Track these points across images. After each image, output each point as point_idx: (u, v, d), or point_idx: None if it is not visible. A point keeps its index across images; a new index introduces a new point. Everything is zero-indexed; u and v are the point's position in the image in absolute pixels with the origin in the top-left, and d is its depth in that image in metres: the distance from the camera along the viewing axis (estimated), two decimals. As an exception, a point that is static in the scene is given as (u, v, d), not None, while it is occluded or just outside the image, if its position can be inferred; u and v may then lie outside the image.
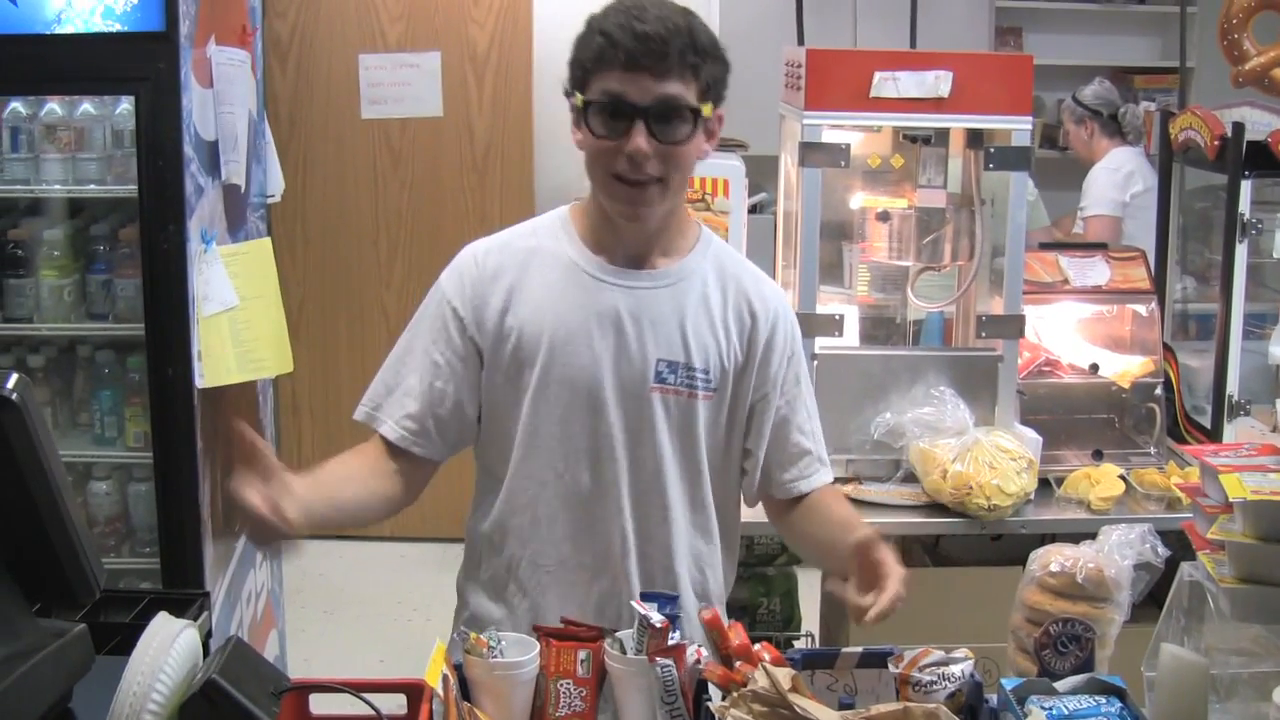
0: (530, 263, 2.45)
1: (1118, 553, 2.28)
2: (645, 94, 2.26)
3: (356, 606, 5.88)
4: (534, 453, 2.43)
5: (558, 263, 2.44)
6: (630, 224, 2.38)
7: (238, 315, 3.81)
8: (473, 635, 2.11)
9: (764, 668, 1.99)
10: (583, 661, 2.12)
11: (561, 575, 2.46)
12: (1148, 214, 5.63)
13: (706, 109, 2.32)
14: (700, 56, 2.28)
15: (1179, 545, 2.38)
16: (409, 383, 2.46)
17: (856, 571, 2.23)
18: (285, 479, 2.17)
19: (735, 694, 1.99)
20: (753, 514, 2.76)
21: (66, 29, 3.50)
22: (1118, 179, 6.11)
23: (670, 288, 2.44)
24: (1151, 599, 2.42)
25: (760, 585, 4.00)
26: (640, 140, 2.26)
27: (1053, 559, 2.28)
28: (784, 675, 1.98)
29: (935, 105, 3.57)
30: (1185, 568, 2.27)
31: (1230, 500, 2.09)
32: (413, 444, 2.46)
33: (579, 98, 2.33)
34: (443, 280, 2.49)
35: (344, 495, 2.39)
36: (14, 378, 1.80)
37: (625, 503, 2.44)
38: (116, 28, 3.51)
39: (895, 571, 2.21)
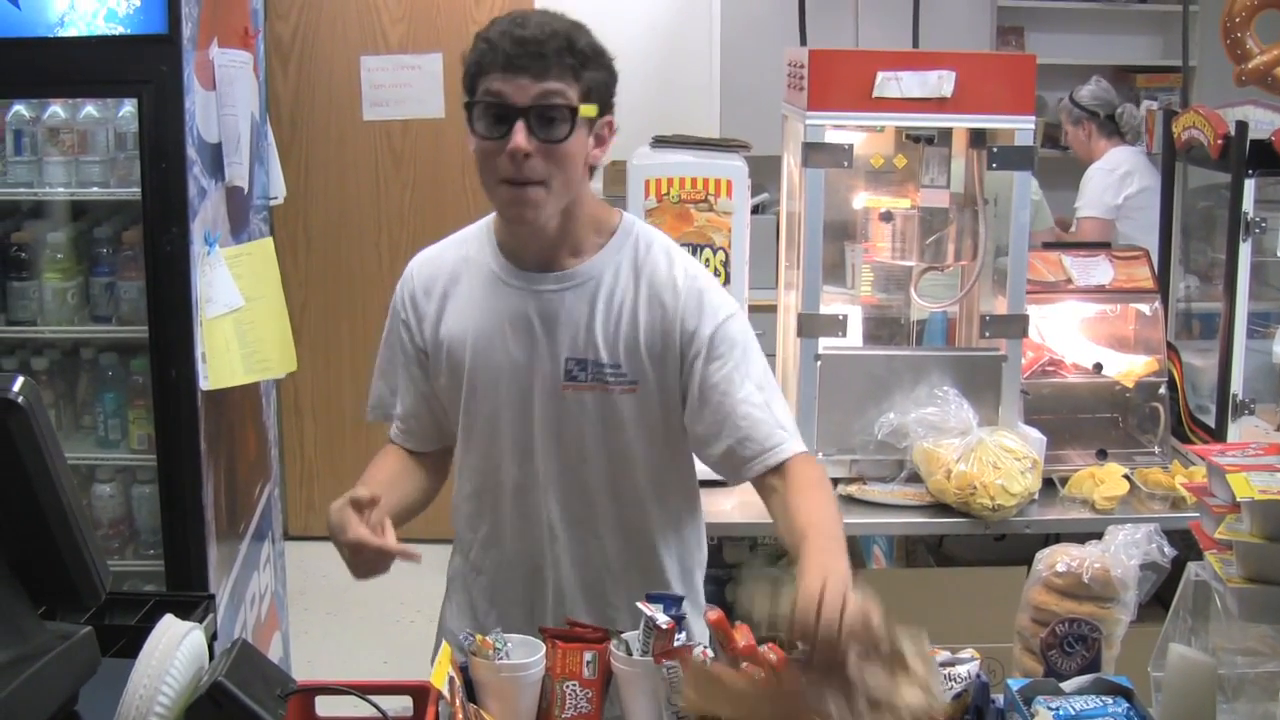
0: (460, 272, 2.57)
1: (1124, 553, 2.28)
2: (524, 94, 2.30)
3: (359, 608, 5.88)
4: (471, 449, 2.58)
5: (479, 271, 2.55)
6: (520, 227, 2.43)
7: (243, 316, 3.81)
8: (478, 637, 2.11)
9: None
10: (589, 663, 2.12)
11: (503, 558, 2.61)
12: (1146, 214, 5.64)
13: (588, 110, 2.35)
14: (578, 59, 2.33)
15: (1184, 545, 2.38)
16: (396, 383, 2.66)
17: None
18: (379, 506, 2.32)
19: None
20: (756, 515, 2.74)
21: (69, 32, 3.51)
22: (1112, 180, 6.09)
23: (577, 288, 2.48)
24: (1156, 599, 2.42)
25: (764, 586, 3.99)
26: (520, 138, 2.29)
27: (1059, 559, 2.28)
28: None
29: (938, 105, 3.57)
30: (1192, 568, 2.27)
31: (1238, 500, 2.09)
32: (406, 441, 2.69)
33: (466, 102, 2.38)
34: (396, 291, 2.64)
35: (396, 498, 2.52)
36: (20, 380, 1.79)
37: (551, 495, 2.53)
38: (119, 30, 3.51)
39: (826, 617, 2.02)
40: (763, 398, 2.48)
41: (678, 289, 2.49)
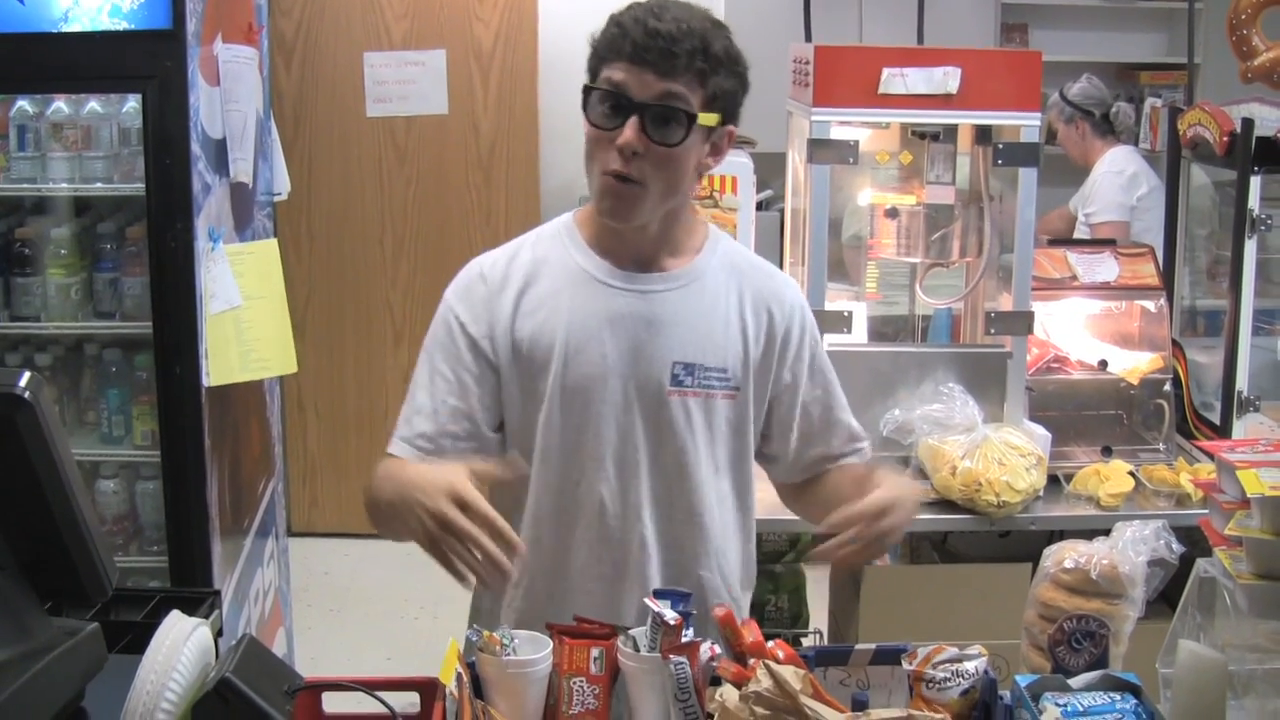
0: (538, 272, 2.41)
1: (1132, 549, 2.27)
2: (645, 89, 2.22)
3: (363, 604, 5.88)
4: (552, 463, 2.39)
5: (565, 270, 2.40)
6: (613, 221, 2.33)
7: (242, 315, 3.81)
8: (485, 633, 2.10)
9: (767, 666, 1.98)
10: (596, 659, 2.11)
11: (580, 584, 2.42)
12: (1152, 214, 5.64)
13: (709, 119, 2.27)
14: (709, 63, 2.24)
15: (1189, 541, 2.37)
16: (419, 401, 2.40)
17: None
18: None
19: (740, 693, 1.99)
20: (760, 513, 2.72)
21: (74, 27, 3.51)
22: (1122, 181, 6.01)
23: (682, 289, 2.40)
24: (1161, 596, 2.42)
25: (768, 583, 4.00)
26: (631, 134, 2.22)
27: (1067, 555, 2.27)
28: (793, 674, 1.97)
29: (944, 101, 3.57)
30: (1201, 564, 2.26)
31: (1248, 496, 2.08)
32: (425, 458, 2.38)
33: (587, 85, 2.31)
34: (449, 298, 2.44)
35: None
36: (26, 375, 1.79)
37: (645, 509, 2.40)
38: (124, 26, 3.51)
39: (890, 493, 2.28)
40: (847, 410, 2.60)
41: (783, 298, 2.49)
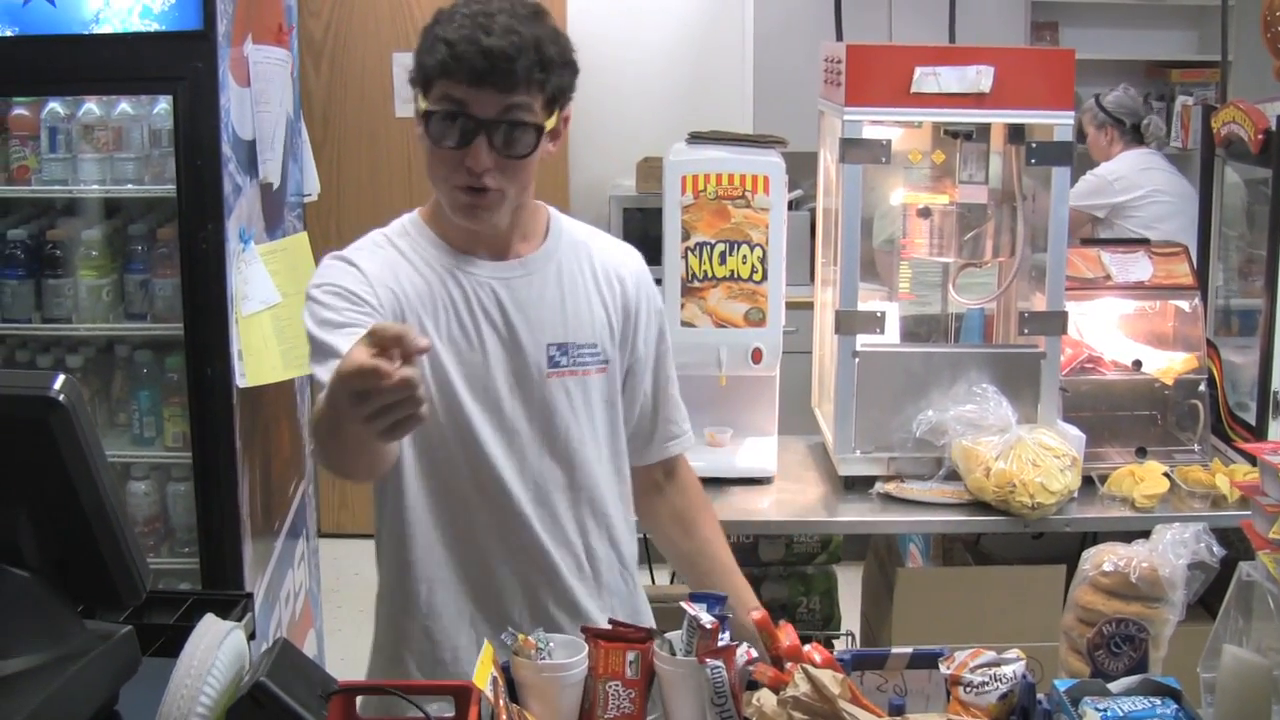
0: (398, 266, 2.37)
1: (1172, 552, 2.26)
2: (488, 107, 2.21)
3: (392, 606, 5.87)
4: (438, 456, 2.37)
5: (425, 262, 2.38)
6: (479, 229, 2.34)
7: (280, 312, 3.80)
8: (520, 636, 2.09)
9: (804, 671, 1.97)
10: (631, 663, 2.10)
11: (488, 570, 2.42)
12: (1148, 211, 5.64)
13: (550, 121, 2.29)
14: (547, 71, 2.24)
15: (1226, 543, 2.35)
16: (337, 344, 2.20)
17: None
18: None
19: (778, 698, 1.97)
20: (790, 514, 2.72)
21: (104, 29, 3.51)
22: (1098, 184, 6.00)
23: (541, 271, 2.42)
24: (1199, 600, 2.40)
25: (800, 584, 3.98)
26: (482, 154, 2.22)
27: (1106, 558, 2.26)
28: (831, 679, 1.96)
29: (976, 100, 3.55)
30: (1244, 567, 2.24)
31: (1291, 499, 2.07)
32: None
33: (422, 102, 2.27)
34: (318, 281, 2.33)
35: None
36: (60, 378, 1.79)
37: (537, 490, 2.41)
38: (154, 27, 3.51)
39: None
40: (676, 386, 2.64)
41: (629, 266, 2.53)
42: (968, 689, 2.07)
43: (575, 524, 2.45)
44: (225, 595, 2.60)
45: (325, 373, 2.11)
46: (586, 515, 2.47)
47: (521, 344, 2.37)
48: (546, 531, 2.42)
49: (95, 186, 3.89)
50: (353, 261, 2.35)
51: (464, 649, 2.40)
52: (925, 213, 3.74)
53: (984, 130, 3.68)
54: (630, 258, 2.56)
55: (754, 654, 2.10)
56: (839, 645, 3.83)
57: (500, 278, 2.38)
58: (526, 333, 2.38)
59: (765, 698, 2.01)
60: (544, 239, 2.46)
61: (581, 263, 2.47)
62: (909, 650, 2.17)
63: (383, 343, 1.76)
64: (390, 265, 2.37)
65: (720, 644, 2.04)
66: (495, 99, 2.21)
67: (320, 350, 2.24)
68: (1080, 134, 6.24)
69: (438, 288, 2.36)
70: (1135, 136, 6.11)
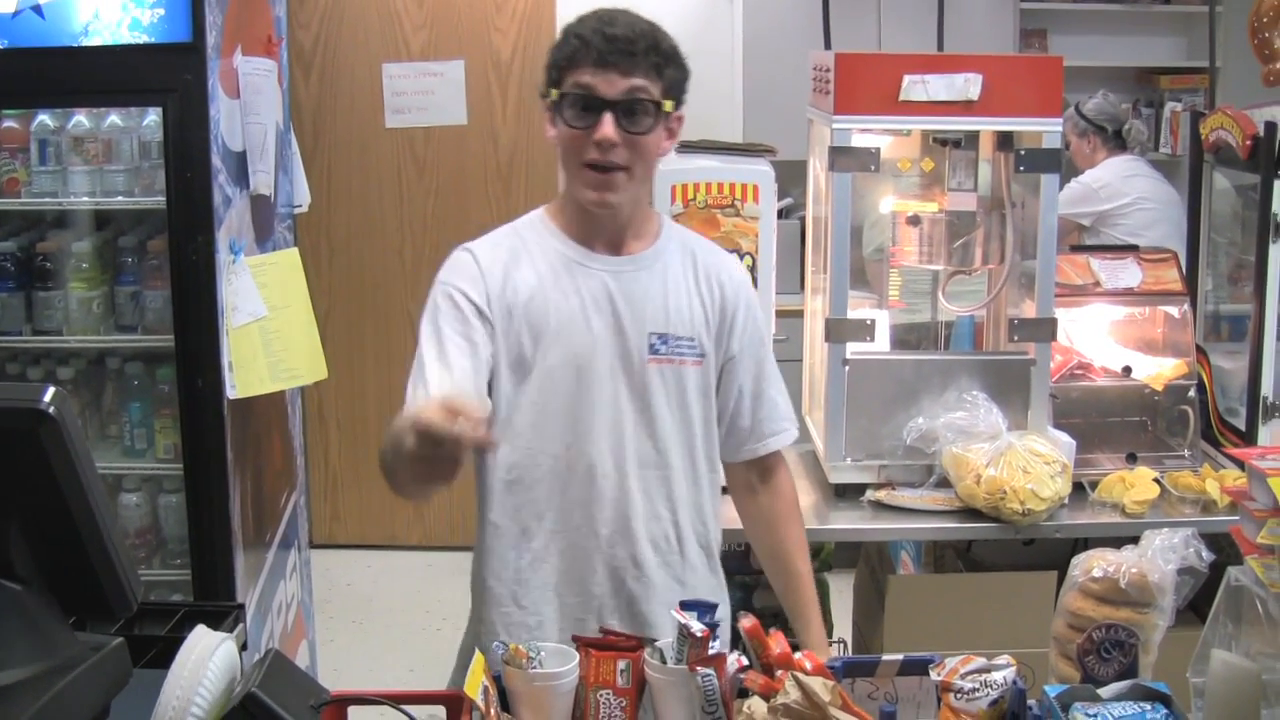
0: (521, 256, 2.65)
1: (1161, 557, 2.26)
2: (613, 88, 2.49)
3: (385, 616, 5.88)
4: (541, 431, 2.61)
5: (545, 254, 2.65)
6: (602, 211, 2.59)
7: (268, 325, 3.81)
8: (511, 646, 2.10)
9: (795, 678, 1.98)
10: (622, 671, 2.11)
11: (577, 541, 2.65)
12: (1142, 215, 5.64)
13: (668, 105, 2.55)
14: (663, 58, 2.53)
15: (1216, 548, 2.36)
16: (431, 374, 2.53)
17: None
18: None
19: (768, 705, 1.98)
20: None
21: (94, 41, 3.51)
22: (1083, 192, 6.00)
23: (650, 268, 2.67)
24: (1189, 606, 2.40)
25: (792, 592, 3.98)
26: (608, 129, 2.48)
27: (1095, 564, 2.26)
28: (822, 686, 1.96)
29: (965, 108, 3.55)
30: (1232, 572, 2.25)
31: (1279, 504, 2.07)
32: None
33: (554, 94, 2.54)
34: (444, 277, 2.64)
35: None
36: (50, 391, 1.79)
37: (632, 468, 2.64)
38: (143, 39, 3.51)
39: None
40: (780, 386, 2.87)
41: (732, 274, 2.78)
42: (958, 695, 2.07)
43: (666, 501, 2.69)
44: (217, 606, 2.58)
45: (411, 392, 2.53)
46: (674, 494, 2.69)
47: (625, 331, 2.63)
48: (635, 506, 2.65)
49: (85, 199, 3.89)
50: (473, 252, 2.66)
51: (549, 620, 2.64)
52: (915, 220, 3.74)
53: (973, 138, 3.68)
54: (732, 266, 2.83)
55: (744, 661, 2.10)
56: (832, 653, 3.83)
57: (612, 270, 2.64)
58: (631, 321, 2.63)
59: (756, 705, 2.02)
60: (655, 240, 2.71)
61: (686, 265, 2.72)
62: (900, 657, 2.18)
63: (453, 411, 2.04)
64: (512, 252, 2.65)
65: (711, 652, 2.04)
66: (619, 80, 2.49)
67: (418, 368, 2.55)
68: (1064, 144, 6.23)
69: (556, 275, 2.62)
70: (1118, 142, 6.09)
